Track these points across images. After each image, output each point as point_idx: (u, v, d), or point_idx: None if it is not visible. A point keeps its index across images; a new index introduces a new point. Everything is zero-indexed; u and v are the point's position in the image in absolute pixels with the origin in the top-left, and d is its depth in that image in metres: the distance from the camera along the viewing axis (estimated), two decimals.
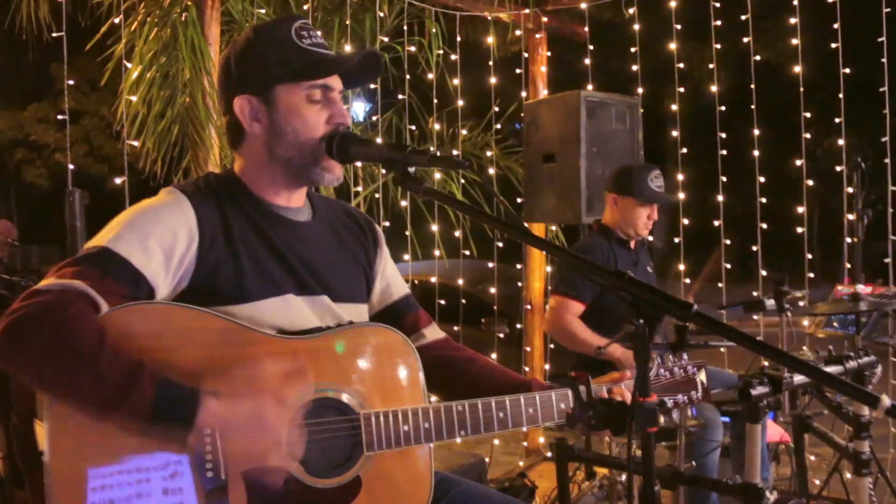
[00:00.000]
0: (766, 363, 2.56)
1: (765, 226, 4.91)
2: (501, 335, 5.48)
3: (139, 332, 1.44)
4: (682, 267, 4.94)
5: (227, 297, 1.55)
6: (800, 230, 4.97)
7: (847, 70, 4.54)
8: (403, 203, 4.71)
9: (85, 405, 1.37)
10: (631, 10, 4.93)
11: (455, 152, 5.10)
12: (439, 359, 1.84)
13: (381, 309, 1.85)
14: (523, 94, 5.03)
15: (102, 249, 1.47)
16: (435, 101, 4.94)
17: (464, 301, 5.01)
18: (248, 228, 1.62)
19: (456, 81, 5.05)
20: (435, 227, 4.94)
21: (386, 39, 4.97)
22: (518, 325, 5.16)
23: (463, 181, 5.22)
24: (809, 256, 5.02)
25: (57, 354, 1.34)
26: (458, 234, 5.08)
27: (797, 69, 4.83)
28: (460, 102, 5.05)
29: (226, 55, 1.70)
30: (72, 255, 1.51)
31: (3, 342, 1.36)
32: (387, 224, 4.72)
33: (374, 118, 5.21)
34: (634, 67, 5.04)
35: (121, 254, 1.46)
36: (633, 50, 4.96)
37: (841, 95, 4.54)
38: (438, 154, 1.52)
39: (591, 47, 5.07)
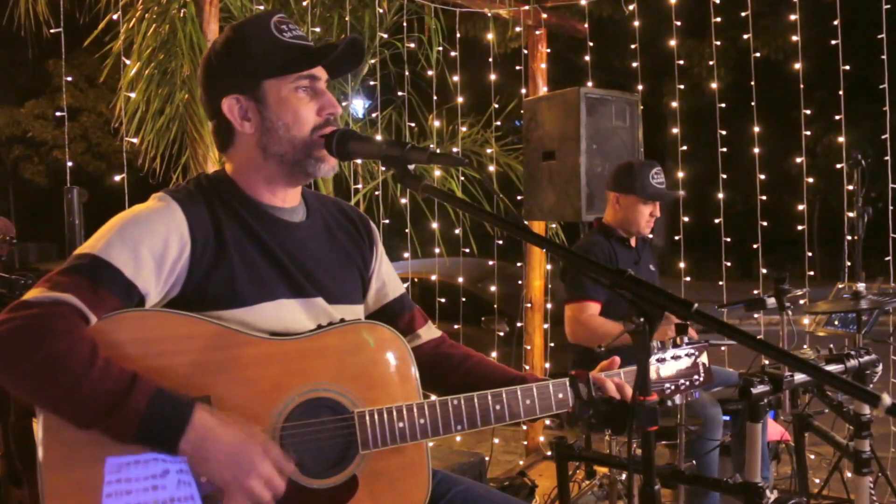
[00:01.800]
0: (766, 362, 2.55)
1: (765, 223, 4.90)
2: (501, 333, 5.48)
3: (129, 340, 1.43)
4: (682, 265, 4.93)
5: (219, 303, 1.53)
6: (800, 228, 4.97)
7: (847, 67, 4.53)
8: (403, 201, 4.70)
9: (75, 417, 1.35)
10: (631, 7, 4.92)
11: (455, 149, 5.09)
12: (435, 357, 1.84)
13: (376, 309, 1.84)
14: (523, 90, 5.01)
15: (94, 258, 1.44)
16: (434, 97, 4.93)
17: (464, 299, 5.00)
18: (240, 232, 1.60)
19: (455, 78, 5.04)
20: (435, 225, 4.93)
21: (385, 36, 4.96)
22: (518, 324, 5.15)
23: (463, 178, 5.21)
24: (810, 254, 5.02)
25: (46, 369, 1.32)
26: (458, 231, 5.07)
27: (797, 66, 4.82)
28: (460, 99, 5.04)
29: (206, 57, 1.68)
30: (71, 253, 1.49)
31: None
32: (386, 222, 4.71)
33: (373, 115, 5.20)
34: (634, 64, 5.03)
35: (113, 263, 1.44)
36: (632, 47, 4.95)
37: (841, 92, 4.53)
38: (438, 151, 1.49)
39: (591, 44, 5.06)
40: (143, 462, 1.39)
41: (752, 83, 4.90)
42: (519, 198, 4.59)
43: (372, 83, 5.06)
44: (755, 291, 3.81)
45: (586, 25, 5.15)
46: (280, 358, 1.52)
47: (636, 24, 4.90)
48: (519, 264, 5.24)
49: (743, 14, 4.88)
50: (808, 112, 4.87)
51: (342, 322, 1.64)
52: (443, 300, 4.92)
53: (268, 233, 1.62)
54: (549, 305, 4.98)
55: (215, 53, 1.65)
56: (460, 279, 5.11)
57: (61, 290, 1.39)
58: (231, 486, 1.40)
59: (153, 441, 1.37)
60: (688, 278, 4.95)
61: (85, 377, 1.33)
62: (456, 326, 4.85)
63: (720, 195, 4.96)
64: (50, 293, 1.38)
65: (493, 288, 5.17)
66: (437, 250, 4.98)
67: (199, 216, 1.55)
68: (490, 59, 4.97)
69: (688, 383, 1.78)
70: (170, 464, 1.39)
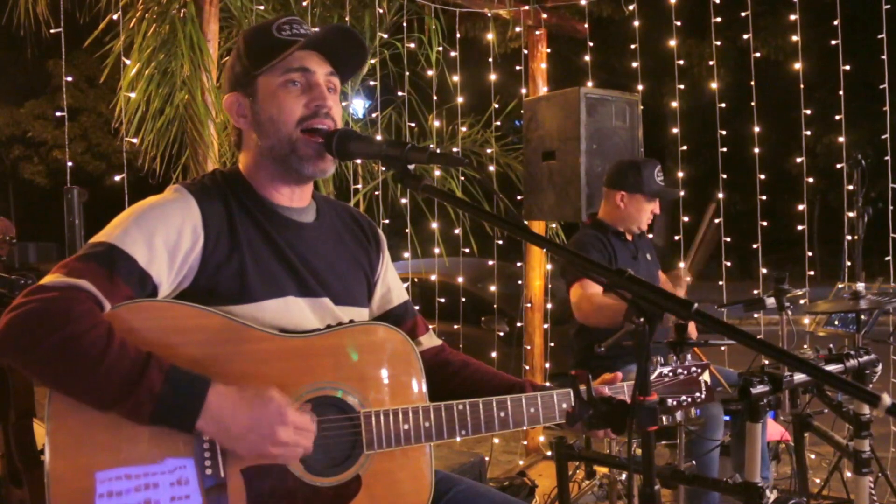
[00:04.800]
0: (766, 362, 2.55)
1: (765, 223, 4.90)
2: (501, 333, 5.48)
3: (140, 329, 1.44)
4: (682, 265, 4.92)
5: (228, 297, 1.54)
6: (800, 228, 4.97)
7: (847, 67, 4.53)
8: (403, 200, 4.70)
9: (92, 399, 1.36)
10: (631, 7, 4.92)
11: (455, 149, 5.08)
12: (434, 364, 1.86)
13: (379, 314, 1.86)
14: (523, 90, 5.01)
15: (109, 246, 1.46)
16: (434, 98, 4.93)
17: (464, 299, 4.99)
18: (252, 228, 1.62)
19: (455, 78, 5.03)
20: (435, 225, 4.93)
21: (385, 36, 4.95)
22: (518, 324, 5.15)
23: (463, 178, 5.20)
24: (810, 254, 5.02)
25: (64, 351, 1.33)
26: (457, 231, 5.07)
27: (797, 66, 4.82)
28: (460, 99, 5.04)
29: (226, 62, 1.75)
30: (71, 253, 1.50)
31: (6, 337, 1.35)
32: (386, 222, 4.71)
33: (373, 115, 5.20)
34: (634, 64, 5.03)
35: (127, 251, 1.46)
36: (632, 47, 4.95)
37: (841, 92, 4.53)
38: (438, 151, 1.50)
39: (591, 44, 5.06)
40: (135, 476, 1.38)
41: (752, 83, 4.90)
42: (519, 198, 4.59)
43: (372, 83, 5.05)
44: (755, 291, 3.82)
45: (586, 25, 5.15)
46: (289, 355, 1.54)
47: (636, 24, 4.90)
48: (519, 264, 5.24)
49: (743, 14, 4.88)
50: (808, 112, 4.87)
51: (352, 323, 1.66)
52: (443, 300, 4.92)
53: (278, 231, 1.65)
54: (549, 305, 4.97)
55: (230, 58, 1.72)
56: (460, 279, 5.10)
57: (77, 275, 1.40)
58: (260, 451, 1.41)
59: (170, 420, 1.37)
60: (688, 278, 4.94)
61: (102, 358, 1.33)
62: (456, 326, 4.85)
63: (720, 195, 4.96)
64: (66, 279, 1.40)
65: (493, 288, 5.17)
66: (437, 250, 4.97)
67: (213, 210, 1.58)
68: (490, 59, 4.97)
69: (689, 400, 1.79)
70: (162, 476, 1.40)
